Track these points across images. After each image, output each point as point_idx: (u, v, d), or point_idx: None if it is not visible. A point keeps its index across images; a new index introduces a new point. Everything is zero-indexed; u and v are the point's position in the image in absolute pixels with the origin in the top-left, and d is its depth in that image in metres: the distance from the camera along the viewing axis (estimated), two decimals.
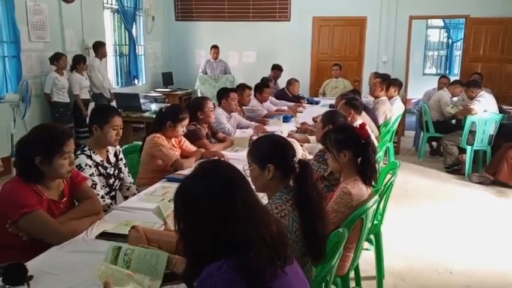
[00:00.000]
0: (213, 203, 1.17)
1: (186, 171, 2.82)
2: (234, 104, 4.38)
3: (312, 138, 3.78)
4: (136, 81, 8.15)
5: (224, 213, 1.16)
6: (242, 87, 5.10)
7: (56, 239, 1.87)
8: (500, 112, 5.64)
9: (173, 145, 3.24)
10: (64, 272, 1.65)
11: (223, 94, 4.40)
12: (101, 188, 2.52)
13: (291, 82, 6.96)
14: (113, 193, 2.74)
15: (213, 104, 3.93)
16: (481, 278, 3.13)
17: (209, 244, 1.17)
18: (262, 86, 5.64)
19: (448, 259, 3.37)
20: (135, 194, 2.70)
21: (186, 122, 3.20)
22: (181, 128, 3.18)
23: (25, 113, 4.79)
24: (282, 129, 4.12)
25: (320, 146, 2.94)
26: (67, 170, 1.98)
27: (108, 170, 2.64)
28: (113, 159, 2.72)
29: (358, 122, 3.45)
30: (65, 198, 2.07)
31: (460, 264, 3.30)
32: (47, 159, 1.90)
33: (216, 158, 3.08)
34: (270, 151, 1.80)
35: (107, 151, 2.69)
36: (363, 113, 4.01)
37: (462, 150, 5.61)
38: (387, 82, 5.51)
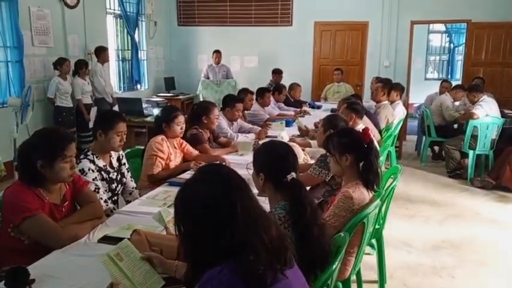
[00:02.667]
0: (213, 207, 1.17)
1: (187, 175, 2.83)
2: (237, 114, 4.40)
3: (314, 142, 3.79)
4: (138, 86, 8.18)
5: (224, 217, 1.17)
6: (244, 92, 5.13)
7: (57, 243, 1.87)
8: (502, 116, 5.64)
9: (175, 147, 3.26)
10: (66, 276, 1.66)
11: (229, 102, 4.38)
12: (104, 193, 2.53)
13: (292, 86, 6.98)
14: (115, 198, 2.75)
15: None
16: (483, 283, 3.12)
17: (209, 248, 1.17)
18: (263, 91, 5.66)
19: (450, 264, 3.36)
20: (137, 199, 2.70)
21: (180, 119, 3.19)
22: (178, 127, 3.18)
23: (22, 118, 4.79)
24: (283, 134, 4.13)
25: (322, 151, 2.95)
26: (68, 174, 1.99)
27: (110, 175, 2.65)
28: (115, 164, 2.73)
29: (359, 127, 3.47)
30: (66, 202, 2.08)
31: (462, 269, 3.29)
32: (49, 162, 1.91)
33: (218, 162, 3.09)
34: (265, 161, 1.82)
35: (110, 156, 2.70)
36: (365, 117, 4.01)
37: (464, 155, 5.60)
38: (389, 87, 5.53)
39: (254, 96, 5.34)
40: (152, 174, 3.04)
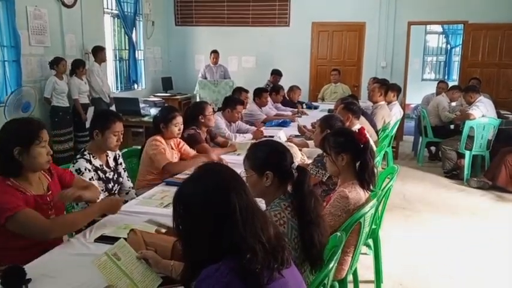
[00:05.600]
0: (210, 206, 1.18)
1: (184, 175, 2.83)
2: (237, 116, 4.41)
3: (311, 142, 3.80)
4: (136, 85, 8.17)
5: (221, 215, 1.17)
6: (239, 91, 5.17)
7: (44, 235, 1.86)
8: (498, 117, 5.67)
9: (172, 148, 3.26)
10: (62, 275, 1.66)
11: (230, 104, 4.38)
12: (100, 192, 2.52)
13: (292, 89, 7.00)
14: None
15: (213, 108, 3.96)
16: (480, 283, 3.14)
17: (207, 246, 1.18)
18: (261, 91, 5.66)
19: (447, 264, 3.37)
20: (133, 199, 2.70)
21: (178, 120, 3.18)
22: (176, 128, 3.16)
23: (6, 116, 4.74)
24: (281, 134, 4.13)
25: (318, 151, 2.96)
26: (45, 159, 1.98)
27: (107, 175, 2.65)
28: (112, 163, 2.73)
29: (356, 127, 3.48)
30: (50, 192, 2.07)
31: (459, 268, 3.30)
32: (26, 148, 1.91)
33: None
34: (268, 158, 1.78)
35: (107, 155, 2.70)
36: (362, 117, 4.02)
37: (460, 155, 5.62)
38: (386, 87, 5.54)
39: (250, 95, 5.35)
40: (170, 162, 3.05)
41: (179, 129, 3.22)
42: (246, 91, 5.31)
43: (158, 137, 3.12)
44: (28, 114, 4.95)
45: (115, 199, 2.33)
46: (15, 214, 1.83)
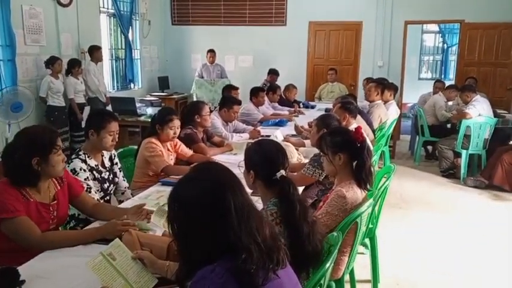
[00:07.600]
0: (206, 205, 1.17)
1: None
2: (233, 116, 4.40)
3: (308, 142, 3.79)
4: (132, 85, 8.14)
5: (216, 215, 1.16)
6: (228, 89, 5.21)
7: (31, 248, 1.83)
8: (494, 116, 5.68)
9: (168, 149, 3.23)
10: (57, 277, 1.65)
11: (226, 104, 4.37)
12: (96, 192, 2.51)
13: (288, 88, 6.99)
14: (107, 197, 2.73)
15: (209, 108, 3.94)
16: (478, 280, 3.14)
17: (202, 246, 1.17)
18: (257, 90, 5.65)
19: (445, 262, 3.37)
20: (129, 199, 2.69)
21: (175, 123, 3.12)
22: (171, 130, 3.10)
23: None
24: (277, 133, 4.12)
25: (315, 150, 2.95)
26: (62, 167, 2.01)
27: (103, 175, 2.63)
28: (107, 163, 2.71)
29: (353, 126, 3.47)
30: (55, 201, 2.05)
31: (456, 267, 3.31)
32: (45, 157, 1.91)
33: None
34: (254, 159, 1.85)
35: (102, 155, 2.68)
36: (358, 116, 4.02)
37: (457, 154, 5.63)
38: (382, 86, 5.54)
39: (240, 92, 5.37)
40: (169, 165, 3.03)
41: (174, 133, 3.14)
42: (236, 88, 5.35)
43: (153, 139, 3.08)
44: (19, 115, 4.91)
45: (113, 223, 1.98)
46: (12, 218, 1.82)
